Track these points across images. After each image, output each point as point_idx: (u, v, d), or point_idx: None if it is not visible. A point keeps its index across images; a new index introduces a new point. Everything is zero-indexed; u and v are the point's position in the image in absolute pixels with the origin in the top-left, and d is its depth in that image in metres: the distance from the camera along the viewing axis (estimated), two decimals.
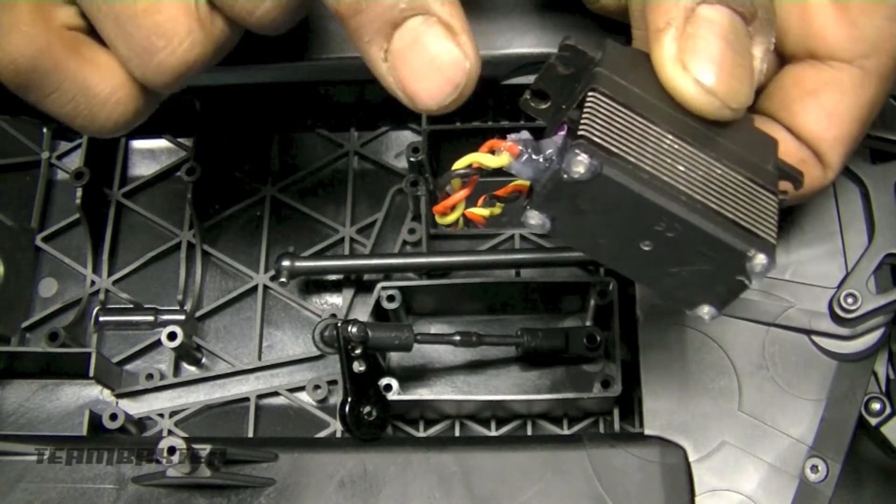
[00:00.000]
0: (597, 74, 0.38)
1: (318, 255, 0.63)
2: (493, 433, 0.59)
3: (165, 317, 0.63)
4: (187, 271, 0.64)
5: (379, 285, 0.58)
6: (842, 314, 0.51)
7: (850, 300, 0.51)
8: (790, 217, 0.54)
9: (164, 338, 0.59)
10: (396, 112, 0.66)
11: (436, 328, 0.61)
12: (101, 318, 0.63)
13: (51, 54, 0.41)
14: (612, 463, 0.50)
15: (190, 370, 0.62)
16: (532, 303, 0.60)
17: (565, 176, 0.35)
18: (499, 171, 0.39)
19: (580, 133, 0.36)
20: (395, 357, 0.60)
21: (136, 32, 0.41)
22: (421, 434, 0.59)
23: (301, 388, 0.60)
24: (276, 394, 0.61)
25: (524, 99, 0.42)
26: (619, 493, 0.49)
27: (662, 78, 0.38)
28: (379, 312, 0.58)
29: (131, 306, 0.64)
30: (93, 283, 0.64)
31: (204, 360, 0.63)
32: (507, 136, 0.38)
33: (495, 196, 0.40)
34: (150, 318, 0.63)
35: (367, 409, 0.53)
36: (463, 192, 0.40)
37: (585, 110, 0.37)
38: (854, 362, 0.53)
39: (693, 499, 0.50)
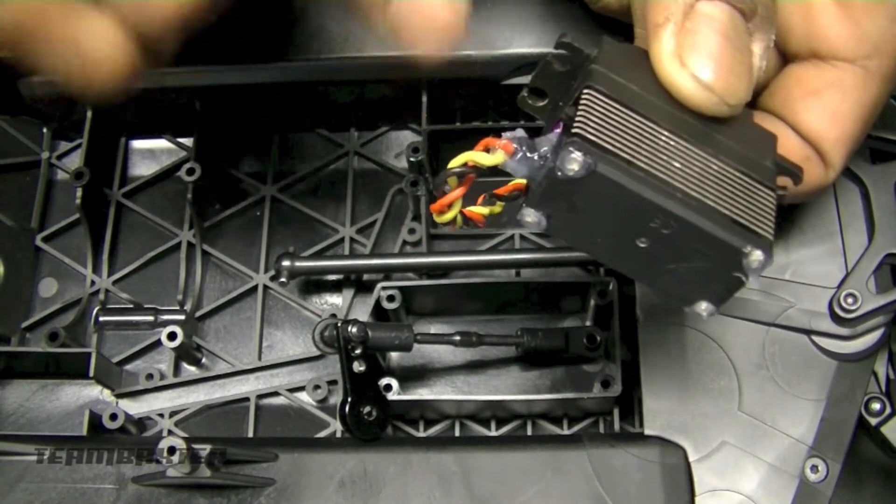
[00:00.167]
0: (593, 71, 0.38)
1: (318, 255, 0.63)
2: (493, 433, 0.59)
3: (165, 317, 0.63)
4: (187, 271, 0.64)
5: (379, 285, 0.58)
6: (842, 314, 0.51)
7: (850, 300, 0.51)
8: (790, 217, 0.54)
9: (164, 338, 0.59)
10: (396, 112, 0.66)
11: (436, 328, 0.61)
12: (101, 318, 0.63)
13: (42, 11, 0.40)
14: (612, 463, 0.50)
15: (190, 370, 0.62)
16: (532, 303, 0.60)
17: (559, 174, 0.35)
18: (503, 172, 0.39)
19: (574, 130, 0.36)
20: (395, 357, 0.60)
21: None
22: (421, 434, 0.59)
23: (301, 388, 0.60)
24: (276, 394, 0.61)
25: (521, 96, 0.42)
26: (619, 493, 0.49)
27: (660, 73, 0.38)
28: (379, 312, 0.58)
29: (131, 306, 0.64)
30: (93, 283, 0.64)
31: (204, 360, 0.63)
32: (502, 133, 0.38)
33: (495, 195, 0.40)
34: (150, 318, 0.63)
35: (367, 409, 0.53)
36: (459, 191, 0.40)
37: (580, 107, 0.37)
38: (854, 362, 0.53)
39: (693, 499, 0.50)
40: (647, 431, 0.52)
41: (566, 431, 0.58)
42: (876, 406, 0.52)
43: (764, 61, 0.40)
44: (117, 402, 0.61)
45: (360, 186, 0.66)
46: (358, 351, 0.52)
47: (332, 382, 0.60)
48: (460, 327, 0.58)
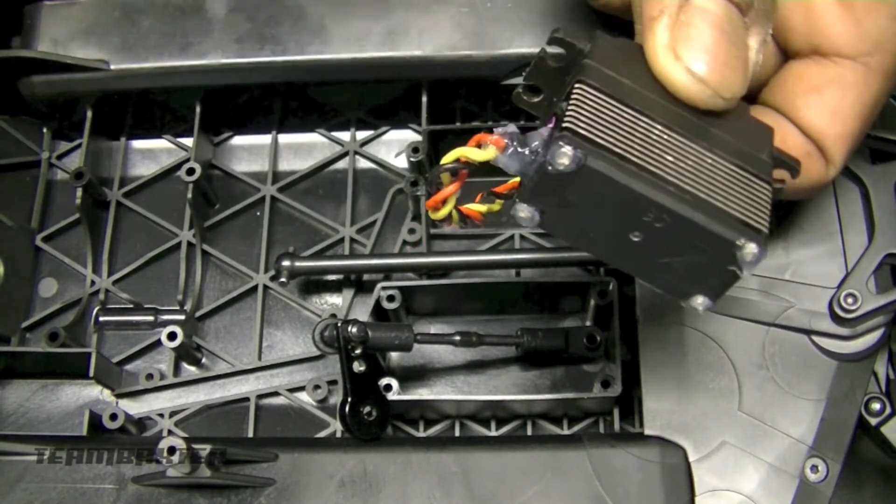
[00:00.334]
0: (585, 66, 0.38)
1: (318, 255, 0.63)
2: (493, 433, 0.59)
3: (165, 317, 0.63)
4: (187, 271, 0.64)
5: (379, 285, 0.58)
6: (842, 314, 0.51)
7: (850, 300, 0.51)
8: (790, 217, 0.54)
9: (164, 338, 0.59)
10: (396, 112, 0.66)
11: (436, 328, 0.61)
12: (101, 318, 0.63)
13: None
14: (612, 463, 0.50)
15: (190, 370, 0.62)
16: (532, 303, 0.60)
17: (550, 168, 0.35)
18: (503, 170, 0.39)
19: (564, 125, 0.36)
20: (395, 357, 0.60)
21: None
22: (421, 434, 0.59)
23: (301, 388, 0.60)
24: (276, 394, 0.61)
25: (517, 93, 0.42)
26: (619, 493, 0.49)
27: (654, 67, 0.38)
28: (379, 312, 0.58)
29: (131, 306, 0.64)
30: (93, 283, 0.64)
31: (204, 360, 0.63)
32: (494, 129, 0.38)
33: (493, 192, 0.40)
34: (150, 318, 0.63)
35: (367, 409, 0.53)
36: (453, 187, 0.40)
37: (571, 102, 0.37)
38: (854, 362, 0.53)
39: (693, 499, 0.50)
40: (647, 431, 0.52)
41: (566, 431, 0.58)
42: (876, 406, 0.52)
43: (760, 55, 0.40)
44: (117, 402, 0.61)
45: (359, 186, 0.66)
46: (358, 351, 0.52)
47: (332, 382, 0.60)
48: (460, 327, 0.58)
